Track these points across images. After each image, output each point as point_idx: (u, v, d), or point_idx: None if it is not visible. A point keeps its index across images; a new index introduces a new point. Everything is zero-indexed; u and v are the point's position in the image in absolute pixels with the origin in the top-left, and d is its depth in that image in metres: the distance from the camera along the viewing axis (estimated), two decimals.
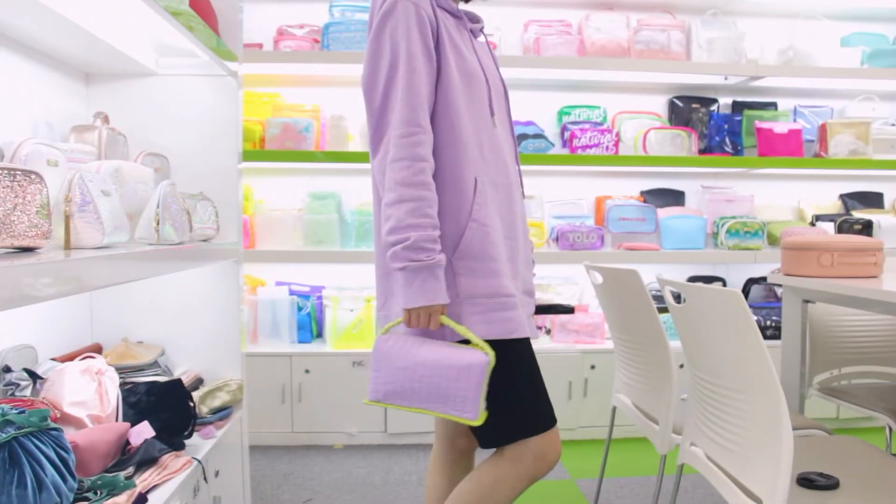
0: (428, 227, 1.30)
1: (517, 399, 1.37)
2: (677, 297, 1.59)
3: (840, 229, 3.32)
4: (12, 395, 1.50)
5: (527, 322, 1.44)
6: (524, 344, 1.40)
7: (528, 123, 3.35)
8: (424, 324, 1.32)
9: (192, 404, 1.76)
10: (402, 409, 1.37)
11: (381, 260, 1.42)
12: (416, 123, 1.31)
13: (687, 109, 3.57)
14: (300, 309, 3.20)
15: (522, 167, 1.62)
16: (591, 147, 3.27)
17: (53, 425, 1.21)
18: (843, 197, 3.71)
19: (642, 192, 3.60)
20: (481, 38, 1.57)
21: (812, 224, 3.45)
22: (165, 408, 1.68)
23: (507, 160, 1.47)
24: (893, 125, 3.60)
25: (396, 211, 1.29)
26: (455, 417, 1.31)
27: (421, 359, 1.32)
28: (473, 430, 1.41)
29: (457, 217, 1.36)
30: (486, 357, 1.30)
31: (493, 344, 1.33)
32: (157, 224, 1.56)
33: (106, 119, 1.82)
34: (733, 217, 3.38)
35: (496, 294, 1.36)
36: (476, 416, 1.30)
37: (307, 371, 3.02)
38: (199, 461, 1.62)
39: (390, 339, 1.37)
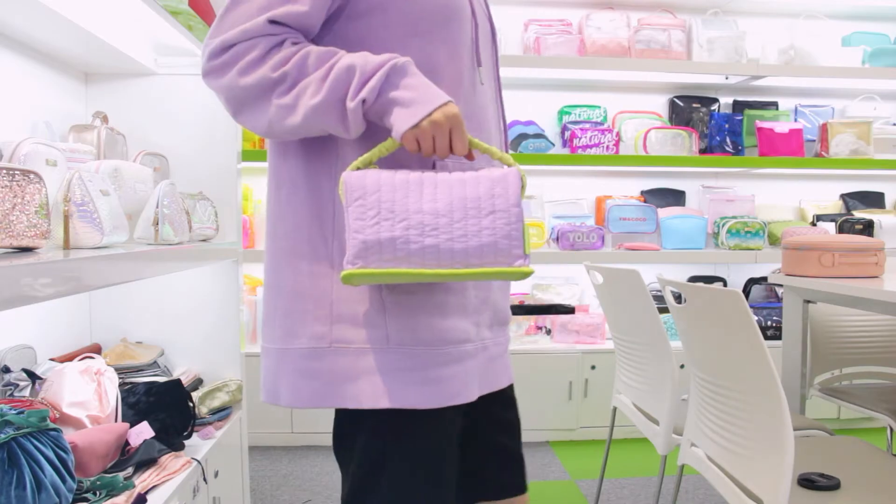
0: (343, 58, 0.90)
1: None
2: (678, 298, 1.59)
3: (841, 229, 3.32)
4: (11, 395, 1.50)
5: (482, 373, 1.03)
6: (449, 416, 0.99)
7: (529, 123, 3.34)
8: (444, 143, 0.90)
9: (191, 405, 1.76)
10: (397, 273, 0.87)
11: (267, 265, 1.02)
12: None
13: (687, 109, 3.57)
14: None
15: (522, 167, 1.04)
16: (591, 147, 3.27)
17: (52, 426, 1.20)
18: (844, 197, 3.71)
19: (643, 192, 3.60)
20: None
21: (813, 224, 3.45)
22: (165, 408, 1.68)
23: (492, 132, 1.07)
24: (894, 125, 3.60)
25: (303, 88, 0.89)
26: (504, 269, 0.88)
27: (437, 189, 0.89)
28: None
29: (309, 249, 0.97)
30: (517, 169, 0.93)
31: (408, 414, 0.94)
32: (157, 224, 1.56)
33: (105, 119, 1.82)
34: (734, 217, 3.37)
35: (443, 341, 0.96)
36: (524, 251, 0.89)
37: None
38: (199, 462, 1.62)
39: (356, 171, 0.90)
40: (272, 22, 0.90)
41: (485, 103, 1.06)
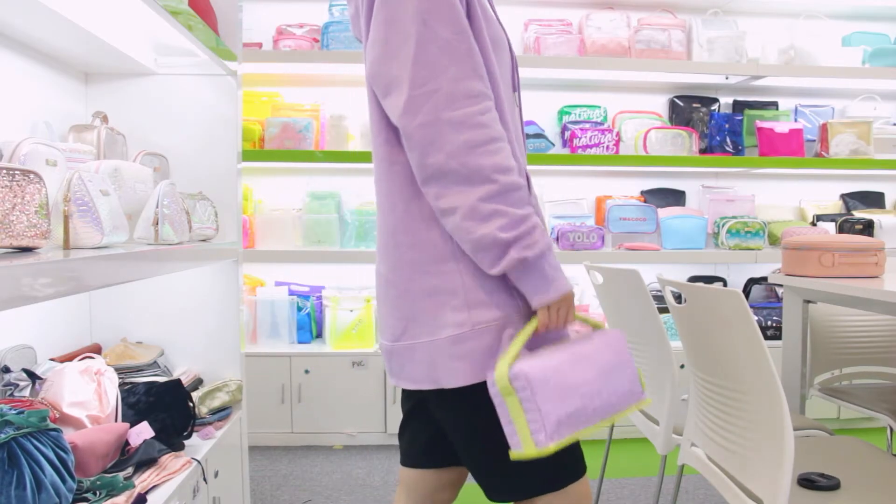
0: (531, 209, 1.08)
1: None
2: (678, 298, 1.59)
3: (841, 229, 3.32)
4: (11, 395, 1.50)
5: None
6: None
7: (529, 123, 3.34)
8: (565, 318, 1.11)
9: (191, 405, 1.76)
10: (578, 435, 1.08)
11: (397, 276, 1.14)
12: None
13: (688, 109, 3.57)
14: (300, 309, 3.19)
15: None
16: (591, 147, 3.27)
17: (52, 426, 1.20)
18: (844, 197, 3.71)
19: (643, 192, 3.60)
20: None
21: (813, 224, 3.45)
22: (165, 408, 1.68)
23: (525, 151, 1.25)
24: (895, 125, 3.60)
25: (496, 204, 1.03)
26: (636, 405, 1.17)
27: (587, 362, 1.10)
28: (482, 479, 1.17)
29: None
30: (619, 331, 1.20)
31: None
32: (157, 224, 1.56)
33: (105, 118, 1.82)
34: (734, 217, 3.37)
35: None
36: (643, 391, 1.19)
37: (307, 371, 3.01)
38: (199, 462, 1.62)
39: (524, 363, 1.05)
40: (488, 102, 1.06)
41: (518, 120, 1.21)
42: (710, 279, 3.59)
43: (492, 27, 1.14)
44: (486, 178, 1.02)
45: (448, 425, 1.18)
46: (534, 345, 1.11)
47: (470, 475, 1.25)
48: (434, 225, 1.10)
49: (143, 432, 1.56)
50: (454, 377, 1.09)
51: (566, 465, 1.15)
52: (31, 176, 1.06)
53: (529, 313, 1.12)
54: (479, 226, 1.03)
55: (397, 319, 1.15)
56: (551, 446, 1.02)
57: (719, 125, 3.46)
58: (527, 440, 1.01)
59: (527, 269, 1.06)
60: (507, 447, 1.06)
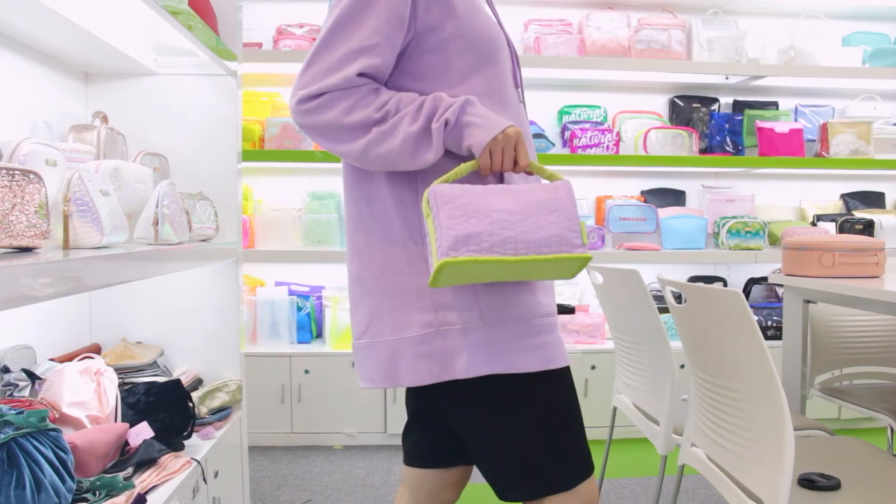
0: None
1: (552, 440, 1.14)
2: (678, 298, 1.59)
3: (841, 229, 3.32)
4: (11, 395, 1.50)
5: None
6: (565, 373, 1.18)
7: (529, 123, 3.34)
8: (512, 158, 1.09)
9: (191, 405, 1.76)
10: (484, 261, 1.02)
11: (366, 273, 1.17)
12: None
13: (688, 109, 3.57)
14: (300, 309, 3.19)
15: None
16: (591, 147, 3.27)
17: (52, 426, 1.20)
18: (844, 197, 3.71)
19: (643, 192, 3.60)
20: None
21: (813, 224, 3.45)
22: (164, 408, 1.68)
23: (531, 144, 1.23)
24: (895, 125, 3.60)
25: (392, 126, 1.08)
26: (567, 255, 1.05)
27: (511, 194, 1.06)
28: (492, 478, 1.17)
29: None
30: (567, 181, 1.11)
31: (528, 377, 1.13)
32: (157, 224, 1.56)
33: (105, 118, 1.82)
34: (734, 217, 3.37)
35: (533, 315, 1.14)
36: (582, 241, 1.07)
37: (307, 371, 3.01)
38: (199, 462, 1.62)
39: (441, 185, 1.07)
40: (360, 75, 1.09)
41: (524, 118, 1.24)
42: (710, 279, 3.59)
43: (481, 21, 1.17)
44: (369, 121, 1.09)
45: (458, 423, 1.19)
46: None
47: (476, 476, 1.26)
48: (406, 226, 1.13)
49: (142, 432, 1.56)
50: (417, 376, 1.11)
51: (576, 463, 1.15)
52: (31, 176, 1.06)
53: (494, 316, 1.12)
54: (391, 139, 1.08)
55: (361, 316, 1.18)
56: (447, 260, 1.01)
57: (719, 125, 3.46)
58: (434, 255, 1.03)
59: (457, 128, 1.09)
60: (518, 445, 1.10)
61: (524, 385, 1.12)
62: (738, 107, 3.63)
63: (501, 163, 1.09)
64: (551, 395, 1.15)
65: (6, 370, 1.54)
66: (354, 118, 1.08)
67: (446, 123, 1.08)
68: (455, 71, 1.14)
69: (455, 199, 1.03)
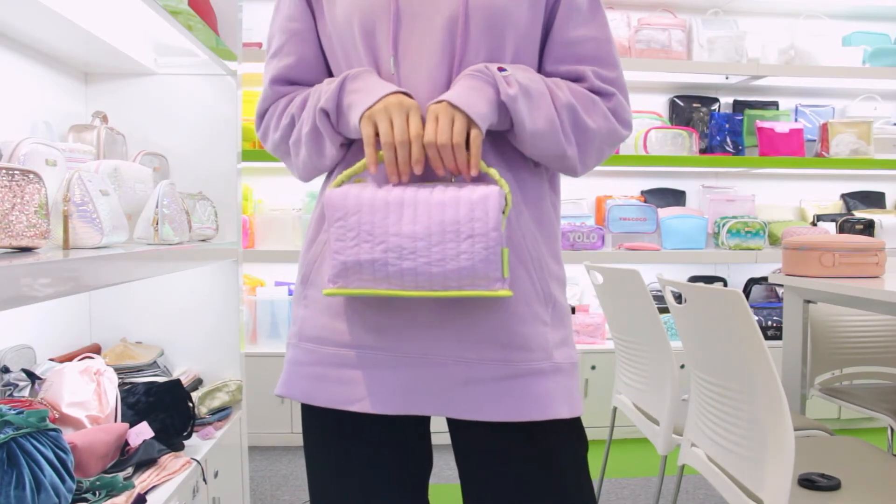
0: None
1: None
2: (678, 298, 1.59)
3: (841, 229, 3.32)
4: (11, 395, 1.50)
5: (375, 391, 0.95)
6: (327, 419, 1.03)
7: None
8: (402, 127, 0.87)
9: (191, 405, 1.76)
10: (376, 293, 0.89)
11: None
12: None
13: (688, 109, 3.57)
14: None
15: None
16: None
17: (52, 426, 1.20)
18: (844, 197, 3.71)
19: (643, 192, 3.59)
20: None
21: (813, 224, 3.45)
22: (164, 408, 1.68)
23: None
24: (895, 125, 3.60)
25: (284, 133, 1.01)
26: (482, 291, 0.87)
27: (410, 210, 0.87)
28: None
29: (309, 239, 1.03)
30: (501, 188, 0.88)
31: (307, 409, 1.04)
32: (156, 224, 1.56)
33: (105, 118, 1.82)
34: (734, 217, 3.37)
35: (324, 341, 0.98)
36: (502, 275, 0.87)
37: None
38: (199, 462, 1.61)
39: (338, 190, 0.91)
40: (274, 83, 1.02)
41: (413, 86, 0.95)
42: (710, 279, 3.59)
43: None
44: (285, 134, 1.02)
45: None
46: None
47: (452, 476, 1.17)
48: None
49: (142, 432, 1.56)
50: (281, 387, 1.07)
51: None
52: (31, 176, 1.06)
53: (314, 327, 0.99)
54: (300, 149, 1.00)
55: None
56: (332, 290, 0.90)
57: (719, 125, 3.46)
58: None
59: (342, 113, 0.93)
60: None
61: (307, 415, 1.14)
62: (739, 107, 3.63)
63: (389, 133, 0.87)
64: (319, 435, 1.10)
65: (6, 370, 1.54)
66: (276, 136, 1.03)
67: (326, 113, 0.93)
68: (334, 57, 1.04)
69: (348, 215, 0.88)
